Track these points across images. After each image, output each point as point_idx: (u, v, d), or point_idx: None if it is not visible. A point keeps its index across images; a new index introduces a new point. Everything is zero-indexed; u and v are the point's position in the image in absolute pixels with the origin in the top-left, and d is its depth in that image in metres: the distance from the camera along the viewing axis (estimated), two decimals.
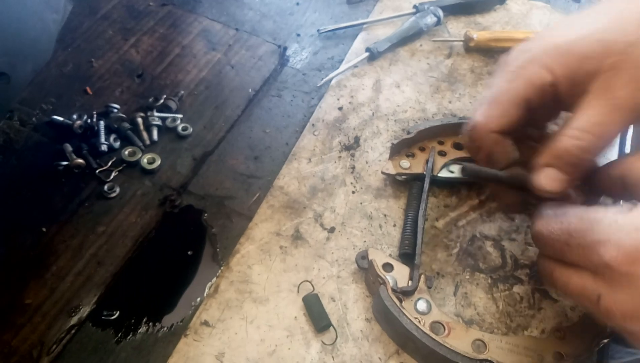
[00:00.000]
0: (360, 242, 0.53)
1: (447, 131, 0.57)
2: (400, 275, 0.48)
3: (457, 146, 0.57)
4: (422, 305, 0.47)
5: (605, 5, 0.42)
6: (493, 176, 0.45)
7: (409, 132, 0.56)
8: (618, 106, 0.39)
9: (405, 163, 0.55)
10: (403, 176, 0.56)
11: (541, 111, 0.44)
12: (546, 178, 0.42)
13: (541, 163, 0.42)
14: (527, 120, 0.44)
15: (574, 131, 0.40)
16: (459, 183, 0.57)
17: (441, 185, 0.57)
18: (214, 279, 0.50)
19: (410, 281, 0.48)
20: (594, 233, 0.36)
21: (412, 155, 0.56)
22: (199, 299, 0.49)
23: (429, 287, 0.48)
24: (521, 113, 0.43)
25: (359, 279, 0.51)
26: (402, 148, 0.56)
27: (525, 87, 0.42)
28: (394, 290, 0.46)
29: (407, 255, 0.50)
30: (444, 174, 0.56)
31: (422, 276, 0.48)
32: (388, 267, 0.49)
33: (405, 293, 0.47)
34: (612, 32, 0.39)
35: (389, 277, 0.47)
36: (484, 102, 0.44)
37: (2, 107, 0.40)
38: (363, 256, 0.50)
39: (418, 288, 0.47)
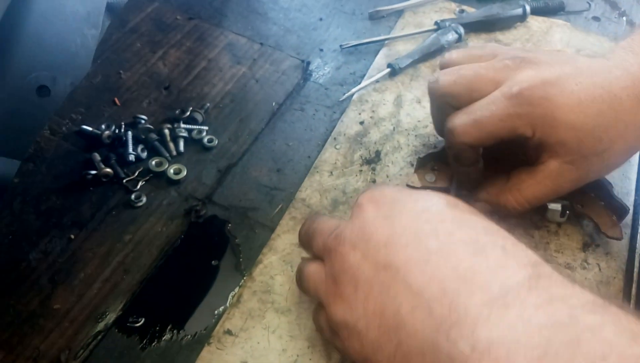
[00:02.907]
0: None
1: None
2: None
3: None
4: None
5: (620, 85, 0.45)
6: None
7: (435, 146, 0.57)
8: (557, 191, 0.48)
9: (430, 176, 0.56)
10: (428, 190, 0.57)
11: None
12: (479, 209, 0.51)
13: (482, 199, 0.52)
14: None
15: (519, 199, 0.49)
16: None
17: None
18: (237, 289, 0.51)
19: None
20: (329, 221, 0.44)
21: (438, 169, 0.57)
22: (222, 308, 0.50)
23: None
24: (492, 142, 0.48)
25: None
26: (428, 161, 0.57)
27: (508, 131, 0.46)
28: None
29: None
30: None
31: None
32: None
33: None
34: (594, 138, 0.45)
35: None
36: (470, 114, 0.47)
37: (42, 119, 0.42)
38: None
39: None
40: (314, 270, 0.43)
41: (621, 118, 0.45)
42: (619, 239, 0.54)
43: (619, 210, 0.54)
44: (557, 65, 0.47)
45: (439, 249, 0.35)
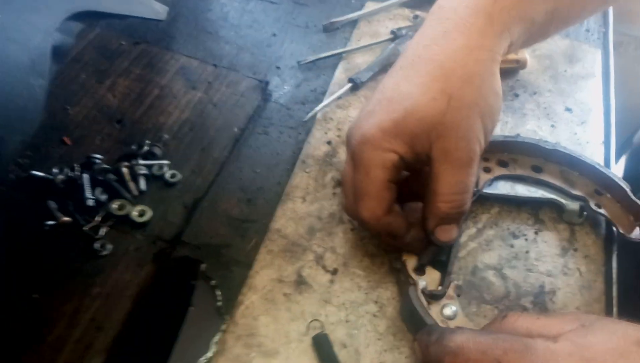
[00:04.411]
0: (364, 282, 0.52)
1: (493, 148, 0.57)
2: (431, 279, 0.49)
3: (502, 164, 0.58)
4: (448, 310, 0.48)
5: (412, 68, 0.47)
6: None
7: None
8: (459, 164, 0.46)
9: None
10: None
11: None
12: (442, 234, 0.49)
13: (432, 226, 0.49)
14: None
15: (442, 197, 0.47)
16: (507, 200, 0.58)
17: None
18: (219, 334, 0.48)
19: (440, 287, 0.49)
20: (530, 355, 0.36)
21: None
22: (205, 357, 0.47)
23: (458, 295, 0.49)
24: (393, 191, 0.48)
25: (367, 322, 0.50)
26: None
27: (382, 172, 0.46)
28: (422, 292, 0.48)
29: (441, 263, 0.51)
30: (488, 190, 0.57)
31: (453, 283, 0.49)
32: (420, 271, 0.50)
33: (433, 297, 0.48)
34: (426, 108, 0.45)
35: (420, 280, 0.49)
36: (358, 199, 0.48)
37: None
38: (397, 258, 0.52)
39: (447, 294, 0.48)
40: None
41: (407, 61, 0.48)
42: (639, 240, 0.54)
43: (637, 211, 0.54)
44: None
45: None
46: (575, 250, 0.56)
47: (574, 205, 0.56)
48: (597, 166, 0.56)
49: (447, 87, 0.45)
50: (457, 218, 0.48)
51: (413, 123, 0.45)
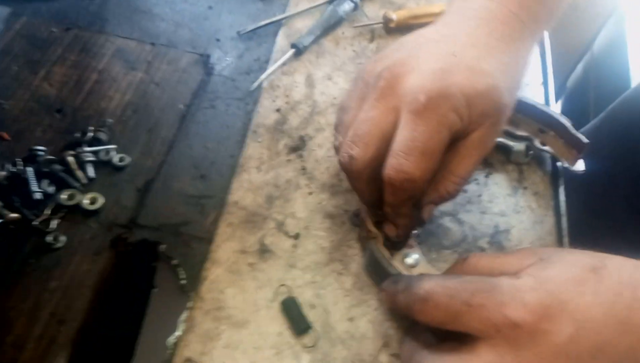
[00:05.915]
0: (327, 243, 0.53)
1: None
2: (390, 231, 0.49)
3: None
4: (410, 259, 0.49)
5: (495, 49, 0.46)
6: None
7: None
8: (483, 153, 0.47)
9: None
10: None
11: None
12: (428, 212, 0.48)
13: (427, 201, 0.48)
14: None
15: (456, 179, 0.46)
16: None
17: None
18: (186, 312, 0.48)
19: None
20: (497, 294, 0.37)
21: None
22: (174, 336, 0.47)
23: (418, 243, 0.50)
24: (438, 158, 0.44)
25: (333, 280, 0.50)
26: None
27: (448, 134, 0.43)
28: (383, 244, 0.49)
29: None
30: None
31: (412, 232, 0.50)
32: (379, 225, 0.50)
33: (394, 246, 0.49)
34: (503, 94, 0.44)
35: (380, 233, 0.49)
36: (411, 154, 0.42)
37: None
38: (356, 214, 0.53)
39: (407, 243, 0.49)
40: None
41: (480, 43, 0.45)
42: (583, 171, 0.56)
43: (578, 145, 0.56)
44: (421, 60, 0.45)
45: None
46: (525, 188, 0.58)
47: (520, 146, 0.58)
48: (538, 106, 0.58)
49: (519, 83, 0.47)
50: (446, 200, 0.48)
51: (489, 102, 0.44)
